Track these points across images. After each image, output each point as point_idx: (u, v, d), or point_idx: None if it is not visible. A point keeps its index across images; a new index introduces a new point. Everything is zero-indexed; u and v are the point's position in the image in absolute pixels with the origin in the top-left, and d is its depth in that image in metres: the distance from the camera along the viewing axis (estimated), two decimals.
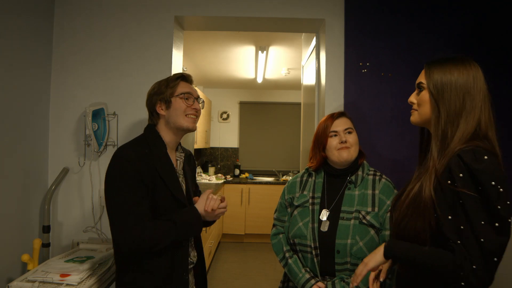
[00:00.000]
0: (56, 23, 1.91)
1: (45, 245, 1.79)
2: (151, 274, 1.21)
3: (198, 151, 5.35)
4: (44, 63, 1.87)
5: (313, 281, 1.30)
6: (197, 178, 4.68)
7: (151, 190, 1.20)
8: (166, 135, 1.32)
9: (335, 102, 1.89)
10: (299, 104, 3.11)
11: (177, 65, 2.02)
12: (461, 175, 0.90)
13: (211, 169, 5.34)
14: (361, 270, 1.05)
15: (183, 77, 1.35)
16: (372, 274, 1.09)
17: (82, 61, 1.91)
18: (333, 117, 1.42)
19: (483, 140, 0.97)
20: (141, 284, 1.21)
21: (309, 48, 2.43)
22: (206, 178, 4.75)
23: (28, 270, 1.54)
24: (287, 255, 1.40)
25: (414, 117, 1.08)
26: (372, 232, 1.30)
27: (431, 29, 1.90)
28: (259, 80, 4.81)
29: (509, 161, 1.88)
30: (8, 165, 1.60)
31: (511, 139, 1.85)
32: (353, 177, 1.40)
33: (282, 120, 5.65)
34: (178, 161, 1.38)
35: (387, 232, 1.31)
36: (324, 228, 1.33)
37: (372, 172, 1.42)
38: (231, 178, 5.18)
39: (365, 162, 1.44)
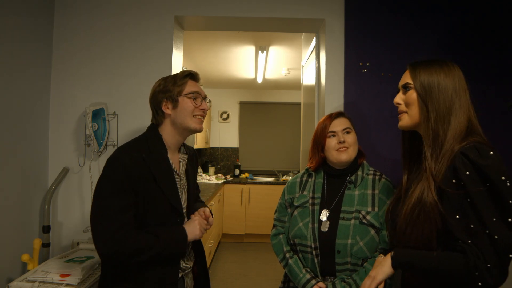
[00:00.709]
0: (56, 23, 1.91)
1: (45, 245, 1.79)
2: (137, 286, 1.16)
3: (198, 151, 5.35)
4: (44, 63, 1.87)
5: (313, 281, 1.30)
6: (197, 178, 4.68)
7: (143, 197, 1.14)
8: (171, 136, 1.26)
9: (335, 102, 1.89)
10: (299, 104, 3.11)
11: (177, 65, 2.02)
12: (467, 173, 0.89)
13: (211, 169, 5.35)
14: (369, 285, 1.01)
15: (192, 75, 1.29)
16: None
17: (82, 61, 1.91)
18: (331, 117, 1.42)
19: (477, 135, 0.97)
20: None
21: (309, 48, 2.43)
22: (206, 178, 4.76)
23: (28, 270, 1.54)
24: (287, 255, 1.40)
25: (404, 121, 1.06)
26: (372, 232, 1.30)
27: (431, 29, 1.90)
28: (259, 80, 4.81)
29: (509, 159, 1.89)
30: (8, 165, 1.60)
31: (508, 137, 1.86)
32: (353, 177, 1.40)
33: (282, 120, 5.65)
34: (181, 163, 1.33)
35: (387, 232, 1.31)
36: (324, 228, 1.33)
37: (372, 172, 1.42)
38: (231, 178, 5.18)
39: (365, 162, 1.44)
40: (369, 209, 1.33)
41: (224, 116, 5.66)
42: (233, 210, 4.88)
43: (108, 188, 1.12)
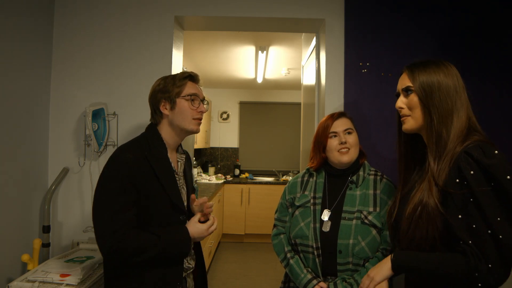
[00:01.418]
0: (56, 24, 1.91)
1: (45, 245, 1.79)
2: (140, 286, 1.16)
3: (198, 151, 5.35)
4: (44, 63, 1.87)
5: (315, 282, 1.30)
6: (197, 178, 4.68)
7: (145, 195, 1.15)
8: (168, 136, 1.27)
9: (335, 102, 1.89)
10: (299, 104, 3.11)
11: (177, 65, 2.02)
12: (472, 172, 0.88)
13: (211, 169, 5.35)
14: (367, 285, 1.02)
15: (191, 77, 1.29)
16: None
17: (82, 61, 1.91)
18: (333, 117, 1.41)
19: (478, 134, 0.96)
20: None
21: (309, 48, 2.43)
22: (206, 178, 4.76)
23: (28, 270, 1.54)
24: (288, 255, 1.40)
25: (409, 124, 1.05)
26: (374, 232, 1.30)
27: (431, 29, 1.90)
28: (259, 80, 4.81)
29: None
30: (8, 165, 1.60)
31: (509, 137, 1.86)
32: (354, 177, 1.40)
33: (282, 120, 5.64)
34: (179, 163, 1.33)
35: (389, 232, 1.32)
36: (326, 228, 1.33)
37: (373, 172, 1.42)
38: (231, 178, 5.18)
39: (366, 162, 1.44)
40: (371, 209, 1.33)
41: (224, 116, 5.66)
42: (233, 210, 4.88)
43: (110, 186, 1.12)
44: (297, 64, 3.92)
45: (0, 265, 1.56)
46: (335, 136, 1.38)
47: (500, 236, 0.85)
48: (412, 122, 1.04)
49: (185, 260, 1.27)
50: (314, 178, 1.45)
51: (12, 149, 1.62)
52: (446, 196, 0.93)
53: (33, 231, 1.79)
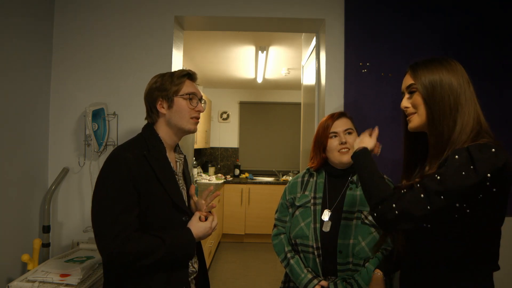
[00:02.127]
0: (56, 24, 1.91)
1: (45, 245, 1.79)
2: None
3: (198, 151, 5.35)
4: (44, 63, 1.87)
5: (315, 281, 1.30)
6: (197, 178, 4.68)
7: (146, 197, 1.11)
8: (166, 135, 1.24)
9: (335, 102, 1.89)
10: (299, 104, 3.11)
11: (177, 65, 2.02)
12: (456, 156, 0.87)
13: (211, 169, 5.35)
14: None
15: (189, 75, 1.25)
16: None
17: (82, 61, 1.91)
18: (333, 117, 1.41)
19: (488, 136, 0.94)
20: None
21: (309, 48, 2.43)
22: (206, 178, 4.75)
23: (28, 270, 1.54)
24: (288, 255, 1.40)
25: (415, 121, 1.04)
26: (374, 232, 1.30)
27: (431, 29, 1.89)
28: (259, 80, 4.81)
29: None
30: (8, 165, 1.60)
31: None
32: (354, 177, 1.40)
33: (282, 120, 5.64)
34: (178, 163, 1.30)
35: None
36: (326, 228, 1.33)
37: None
38: (231, 178, 5.18)
39: None
40: None
41: (224, 116, 5.66)
42: (233, 210, 4.88)
43: (110, 187, 1.08)
44: (297, 64, 3.92)
45: (0, 265, 1.56)
46: (335, 136, 1.38)
47: (422, 195, 0.87)
48: (417, 119, 1.03)
49: (189, 264, 1.24)
50: (315, 178, 1.45)
51: (12, 149, 1.62)
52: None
53: (33, 231, 1.79)
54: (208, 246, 3.58)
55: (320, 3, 1.91)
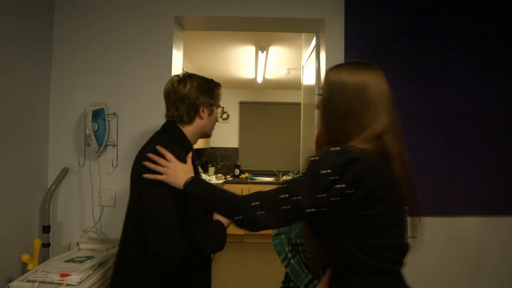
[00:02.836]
0: (56, 24, 1.91)
1: (45, 245, 1.79)
2: None
3: (198, 151, 5.35)
4: (44, 63, 1.86)
5: (316, 281, 1.30)
6: None
7: (184, 196, 1.12)
8: (191, 137, 1.27)
9: None
10: (299, 104, 3.11)
11: (177, 65, 2.02)
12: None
13: (211, 169, 5.34)
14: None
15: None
16: None
17: (82, 61, 1.91)
18: None
19: (373, 141, 0.89)
20: None
21: (309, 48, 2.43)
22: (206, 178, 4.76)
23: (28, 270, 1.54)
24: (289, 255, 1.40)
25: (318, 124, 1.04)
26: None
27: (431, 29, 1.89)
28: (259, 80, 4.80)
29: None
30: (8, 165, 1.60)
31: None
32: None
33: (282, 120, 5.64)
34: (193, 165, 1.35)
35: None
36: None
37: None
38: (231, 178, 5.18)
39: None
40: None
41: (224, 116, 5.66)
42: None
43: (165, 192, 1.09)
44: (297, 64, 3.92)
45: (0, 265, 1.56)
46: None
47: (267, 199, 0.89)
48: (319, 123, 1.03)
49: None
50: None
51: (12, 149, 1.62)
52: None
53: (33, 231, 1.79)
54: None
55: (320, 3, 1.91)
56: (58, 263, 1.52)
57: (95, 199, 1.90)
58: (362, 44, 1.89)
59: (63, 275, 1.41)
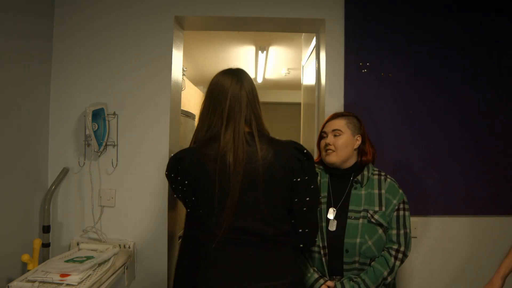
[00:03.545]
0: (56, 23, 1.91)
1: (45, 245, 1.79)
2: None
3: None
4: (44, 63, 1.86)
5: (322, 281, 1.30)
6: None
7: None
8: None
9: (335, 102, 1.89)
10: (299, 104, 3.11)
11: (177, 65, 2.02)
12: None
13: None
14: None
15: None
16: None
17: (82, 61, 1.91)
18: (330, 117, 1.47)
19: (210, 141, 1.09)
20: None
21: (309, 48, 2.43)
22: None
23: (28, 270, 1.53)
24: None
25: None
26: (380, 231, 1.31)
27: (431, 29, 1.90)
28: (259, 80, 4.81)
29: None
30: (8, 165, 1.60)
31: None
32: (359, 177, 1.40)
33: (282, 120, 5.65)
34: None
35: (394, 231, 1.33)
36: (332, 227, 1.33)
37: (376, 172, 1.43)
38: None
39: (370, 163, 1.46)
40: (377, 208, 1.34)
41: None
42: None
43: None
44: (297, 64, 3.92)
45: (0, 265, 1.56)
46: (325, 136, 1.44)
47: None
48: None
49: None
50: (319, 177, 1.45)
51: (12, 149, 1.62)
52: None
53: (33, 231, 1.79)
54: None
55: (320, 3, 1.91)
56: (58, 263, 1.52)
57: (95, 199, 1.90)
58: (362, 44, 1.89)
59: (63, 275, 1.41)
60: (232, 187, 1.03)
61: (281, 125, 5.63)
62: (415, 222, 1.85)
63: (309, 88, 2.47)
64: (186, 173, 1.10)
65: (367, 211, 1.33)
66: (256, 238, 1.05)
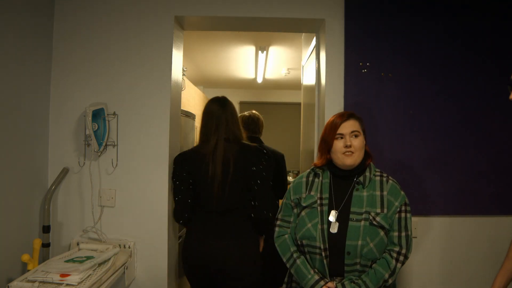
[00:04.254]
0: (56, 23, 1.91)
1: (45, 245, 1.79)
2: None
3: None
4: (44, 63, 1.86)
5: (322, 282, 1.29)
6: None
7: None
8: None
9: (335, 102, 1.89)
10: (299, 104, 3.12)
11: (177, 65, 2.02)
12: None
13: None
14: None
15: None
16: None
17: (82, 61, 1.91)
18: (342, 118, 1.40)
19: (204, 143, 1.70)
20: None
21: (309, 48, 2.43)
22: None
23: (28, 270, 1.54)
24: (294, 255, 1.39)
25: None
26: (382, 233, 1.30)
27: (431, 29, 1.90)
28: (259, 80, 4.81)
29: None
30: (8, 165, 1.60)
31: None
32: (361, 178, 1.39)
33: (282, 120, 5.65)
34: None
35: (395, 233, 1.32)
36: (334, 229, 1.32)
37: (378, 174, 1.42)
38: None
39: (371, 163, 1.44)
40: (378, 210, 1.32)
41: None
42: None
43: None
44: (297, 64, 3.92)
45: (0, 265, 1.56)
46: (341, 138, 1.37)
47: None
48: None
49: None
50: (320, 178, 1.44)
51: (12, 149, 1.62)
52: None
53: (33, 231, 1.79)
54: None
55: (320, 3, 1.91)
56: (58, 263, 1.52)
57: (95, 199, 1.90)
58: (362, 44, 1.89)
59: (63, 275, 1.41)
60: (217, 170, 1.63)
61: (281, 125, 5.63)
62: (415, 222, 1.85)
63: (309, 88, 2.47)
64: (188, 163, 1.72)
65: (368, 213, 1.32)
66: (223, 209, 1.65)
